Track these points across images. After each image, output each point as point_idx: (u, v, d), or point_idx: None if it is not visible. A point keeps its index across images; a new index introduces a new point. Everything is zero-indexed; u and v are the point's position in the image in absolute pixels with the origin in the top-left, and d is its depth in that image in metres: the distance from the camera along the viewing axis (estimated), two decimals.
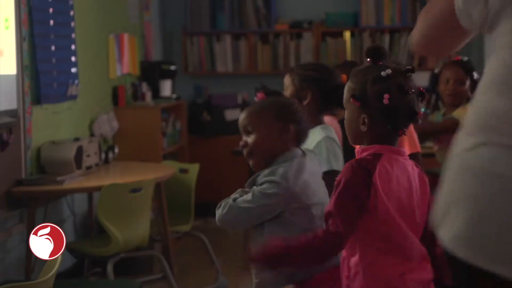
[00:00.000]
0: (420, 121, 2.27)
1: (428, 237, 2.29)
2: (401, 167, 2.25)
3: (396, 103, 2.20)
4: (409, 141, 3.76)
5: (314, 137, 3.18)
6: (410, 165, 2.29)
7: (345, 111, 2.34)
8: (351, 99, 2.26)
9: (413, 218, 2.26)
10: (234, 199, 2.55)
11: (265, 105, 2.61)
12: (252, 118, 2.60)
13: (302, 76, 3.27)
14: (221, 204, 2.56)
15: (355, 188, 2.18)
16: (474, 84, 4.34)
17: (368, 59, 2.29)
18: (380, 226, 2.21)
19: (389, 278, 2.22)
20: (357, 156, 2.28)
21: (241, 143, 2.60)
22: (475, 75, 4.43)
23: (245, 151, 2.60)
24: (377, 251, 2.23)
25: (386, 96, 2.19)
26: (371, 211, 2.19)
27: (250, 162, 2.61)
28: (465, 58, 4.55)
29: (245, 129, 2.61)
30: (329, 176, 3.09)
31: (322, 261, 2.27)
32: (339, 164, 3.12)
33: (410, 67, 2.25)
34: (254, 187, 2.54)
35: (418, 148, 3.84)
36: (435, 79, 4.54)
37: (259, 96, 2.65)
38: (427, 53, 1.72)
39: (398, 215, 2.21)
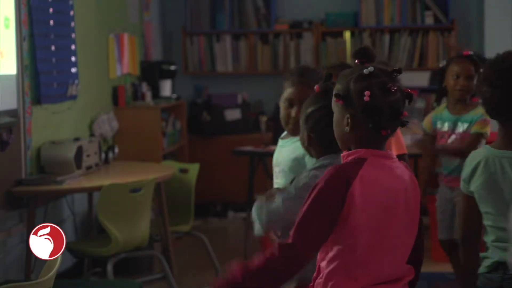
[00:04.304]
0: (407, 123, 2.19)
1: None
2: (388, 171, 2.20)
3: (378, 102, 2.14)
4: (396, 143, 3.74)
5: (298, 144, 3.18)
6: (399, 167, 2.23)
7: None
8: (335, 98, 2.22)
9: (399, 221, 2.19)
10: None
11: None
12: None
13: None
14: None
15: (328, 201, 2.13)
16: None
17: (356, 61, 2.26)
18: (346, 239, 2.15)
19: None
20: (343, 161, 2.23)
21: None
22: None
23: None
24: (343, 262, 2.16)
25: (367, 93, 2.13)
26: (339, 223, 2.13)
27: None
28: (471, 52, 4.42)
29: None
30: None
31: (281, 279, 2.16)
32: None
33: (397, 68, 2.20)
34: None
35: (405, 150, 3.81)
36: (442, 73, 4.40)
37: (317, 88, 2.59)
38: None
39: (374, 226, 2.14)
